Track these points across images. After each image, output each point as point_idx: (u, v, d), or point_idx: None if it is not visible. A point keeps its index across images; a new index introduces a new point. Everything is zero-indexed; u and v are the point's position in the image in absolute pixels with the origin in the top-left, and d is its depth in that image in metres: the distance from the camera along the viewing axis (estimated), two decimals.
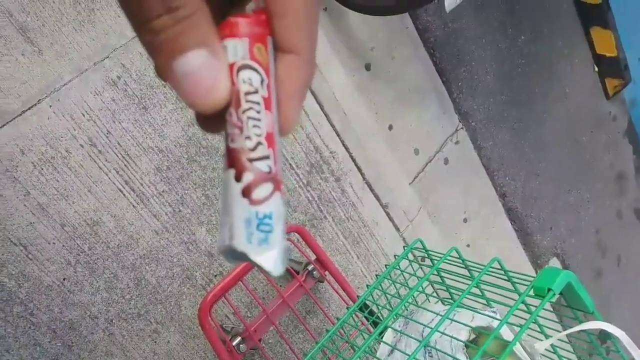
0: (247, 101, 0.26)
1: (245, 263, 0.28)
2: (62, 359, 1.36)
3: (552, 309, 1.01)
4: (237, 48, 0.26)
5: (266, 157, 0.27)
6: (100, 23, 1.43)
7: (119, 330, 1.43)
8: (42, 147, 1.35)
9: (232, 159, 0.27)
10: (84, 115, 1.40)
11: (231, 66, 0.26)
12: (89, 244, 1.40)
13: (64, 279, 1.36)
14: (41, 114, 1.35)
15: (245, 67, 0.26)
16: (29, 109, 1.34)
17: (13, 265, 1.30)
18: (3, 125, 1.30)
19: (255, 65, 0.27)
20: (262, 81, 0.27)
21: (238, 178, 0.27)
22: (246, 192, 0.27)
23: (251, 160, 0.27)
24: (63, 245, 1.36)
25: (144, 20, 0.24)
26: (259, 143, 0.27)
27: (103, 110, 1.43)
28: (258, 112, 0.27)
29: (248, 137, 0.26)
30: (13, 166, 1.31)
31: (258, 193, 0.27)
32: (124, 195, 1.45)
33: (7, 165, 1.30)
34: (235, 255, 0.27)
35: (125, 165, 1.45)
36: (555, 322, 0.97)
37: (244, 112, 0.26)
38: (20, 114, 1.32)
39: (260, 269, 0.28)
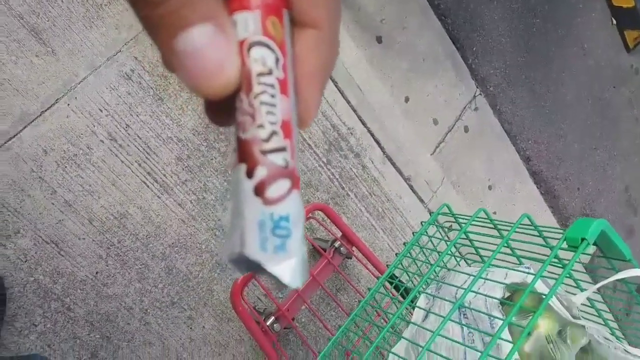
0: (260, 83, 0.23)
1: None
2: (102, 350, 1.39)
3: (582, 267, 1.00)
4: (247, 22, 0.23)
5: (282, 149, 0.23)
6: (109, 18, 1.44)
7: (154, 319, 1.46)
8: (64, 145, 1.37)
9: (243, 152, 0.23)
10: (101, 111, 1.41)
11: (241, 43, 0.23)
12: (118, 237, 1.42)
13: (96, 273, 1.39)
14: (60, 113, 1.36)
15: (258, 44, 0.23)
16: (48, 109, 1.35)
17: (46, 262, 1.33)
18: (25, 127, 1.32)
19: (269, 41, 0.23)
20: (277, 60, 0.23)
21: (250, 174, 0.23)
22: (259, 190, 0.23)
23: (265, 152, 0.23)
24: (93, 240, 1.38)
25: None
26: (273, 132, 0.23)
27: (120, 104, 1.44)
28: (272, 96, 0.23)
29: (261, 126, 0.23)
30: (38, 166, 1.33)
31: (273, 191, 0.23)
32: (148, 186, 1.46)
33: (32, 166, 1.32)
34: (247, 265, 0.24)
35: (146, 157, 1.46)
36: (586, 274, 0.95)
37: (256, 96, 0.23)
38: (40, 115, 1.34)
39: (276, 281, 0.24)
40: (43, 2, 1.35)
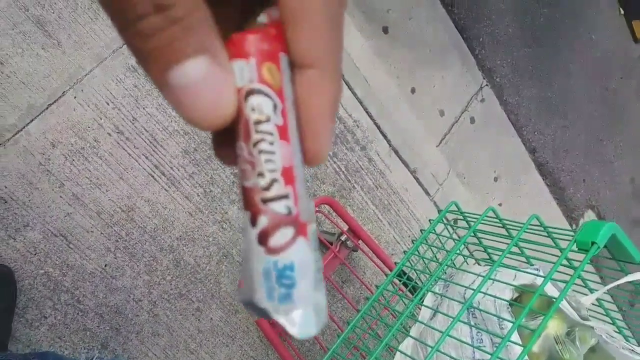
0: (258, 132, 0.22)
1: None
2: (112, 341, 1.40)
3: (591, 266, 1.00)
4: (243, 70, 0.22)
5: (283, 197, 0.23)
6: None
7: (162, 310, 1.47)
8: (71, 138, 1.37)
9: (246, 200, 0.23)
10: (108, 104, 1.41)
11: (238, 91, 0.22)
12: (126, 229, 1.43)
13: (105, 265, 1.40)
14: (67, 105, 1.36)
15: (254, 92, 0.22)
16: (55, 102, 1.35)
17: (56, 255, 1.34)
18: (32, 120, 1.32)
19: (266, 88, 0.23)
20: (274, 107, 0.23)
21: (253, 222, 0.23)
22: (262, 239, 0.23)
23: (265, 201, 0.23)
24: (101, 233, 1.39)
25: (130, 21, 0.20)
26: (273, 180, 0.23)
27: (126, 97, 1.44)
28: (271, 143, 0.23)
29: (261, 174, 0.23)
30: (45, 159, 1.33)
31: (276, 240, 0.23)
32: (155, 179, 1.47)
33: (40, 159, 1.33)
34: (259, 311, 0.24)
35: (153, 150, 1.46)
36: (594, 273, 0.96)
37: (254, 145, 0.22)
38: (47, 108, 1.34)
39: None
40: None
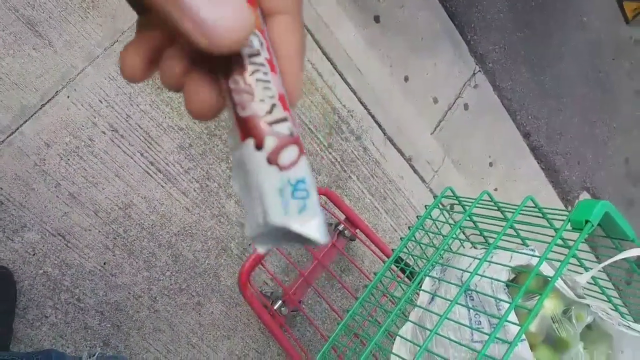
0: (252, 63, 0.25)
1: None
2: (113, 338, 1.41)
3: (586, 245, 1.01)
4: None
5: (284, 119, 0.25)
6: (105, 7, 1.42)
7: (163, 306, 1.48)
8: (66, 138, 1.37)
9: (248, 127, 0.25)
10: (101, 102, 1.41)
11: None
12: (123, 227, 1.43)
13: (104, 263, 1.40)
14: (60, 105, 1.36)
15: None
16: (48, 102, 1.35)
17: (54, 255, 1.34)
18: (26, 121, 1.32)
19: None
20: (261, 43, 0.25)
21: (259, 145, 0.24)
22: (272, 159, 0.24)
23: (270, 123, 0.25)
24: (99, 231, 1.40)
25: None
26: (273, 105, 0.25)
27: (119, 95, 1.44)
28: (265, 73, 0.25)
29: (262, 100, 0.25)
30: (41, 160, 1.33)
31: (285, 157, 0.25)
32: (151, 176, 1.47)
33: (35, 160, 1.33)
34: (273, 235, 0.25)
35: (148, 147, 1.47)
36: (589, 252, 0.97)
37: (251, 74, 0.25)
38: (40, 108, 1.34)
39: (305, 241, 0.25)
40: None
